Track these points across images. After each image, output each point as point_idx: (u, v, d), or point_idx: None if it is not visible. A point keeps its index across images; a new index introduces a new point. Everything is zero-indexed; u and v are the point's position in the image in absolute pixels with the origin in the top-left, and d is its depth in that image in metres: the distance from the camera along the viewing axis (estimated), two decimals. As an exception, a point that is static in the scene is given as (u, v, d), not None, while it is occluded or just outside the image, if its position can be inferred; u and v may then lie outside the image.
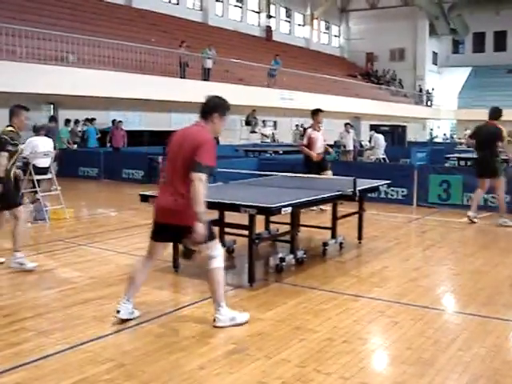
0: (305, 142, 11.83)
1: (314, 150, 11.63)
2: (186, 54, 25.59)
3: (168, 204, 5.16)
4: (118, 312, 5.32)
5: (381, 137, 22.38)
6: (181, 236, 5.19)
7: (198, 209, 4.91)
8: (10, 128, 7.31)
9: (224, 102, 5.53)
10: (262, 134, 27.90)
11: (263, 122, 27.87)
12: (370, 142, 23.52)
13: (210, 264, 5.28)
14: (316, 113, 11.90)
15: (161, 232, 5.32)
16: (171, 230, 5.20)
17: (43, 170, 11.09)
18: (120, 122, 21.03)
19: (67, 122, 20.22)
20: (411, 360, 4.62)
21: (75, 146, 20.54)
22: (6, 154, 7.04)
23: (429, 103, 50.18)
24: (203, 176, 5.00)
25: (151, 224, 5.43)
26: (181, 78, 24.74)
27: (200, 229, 4.90)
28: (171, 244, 7.32)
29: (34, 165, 10.74)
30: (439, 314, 5.89)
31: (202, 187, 4.96)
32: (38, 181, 10.94)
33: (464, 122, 37.08)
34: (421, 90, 50.50)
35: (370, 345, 5.01)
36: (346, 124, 22.69)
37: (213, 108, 5.40)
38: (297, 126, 29.99)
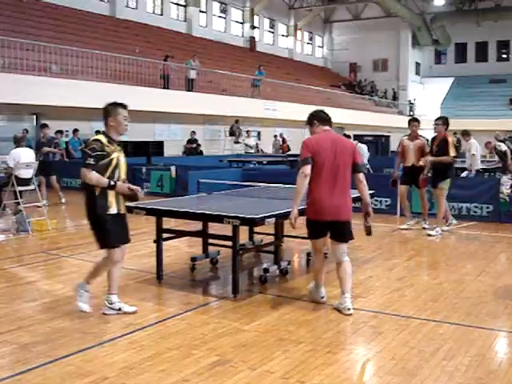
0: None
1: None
2: (169, 65, 25.61)
3: (340, 203, 6.21)
4: None
5: (364, 147, 22.25)
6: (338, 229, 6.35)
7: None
8: (97, 137, 6.07)
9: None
10: (246, 145, 27.91)
11: (247, 132, 27.92)
12: None
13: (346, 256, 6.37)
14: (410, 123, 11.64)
15: (325, 229, 6.28)
16: (333, 225, 6.26)
17: (26, 181, 11.03)
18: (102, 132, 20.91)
19: (57, 132, 19.99)
20: (395, 370, 4.62)
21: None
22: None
23: (411, 113, 50.47)
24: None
25: (310, 225, 6.24)
26: (164, 88, 24.71)
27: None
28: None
29: (16, 176, 10.67)
30: (423, 323, 5.89)
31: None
32: (21, 192, 10.87)
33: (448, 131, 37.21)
34: (409, 102, 50.79)
35: (354, 355, 5.01)
36: (343, 135, 22.19)
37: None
38: (275, 136, 30.06)
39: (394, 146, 32.33)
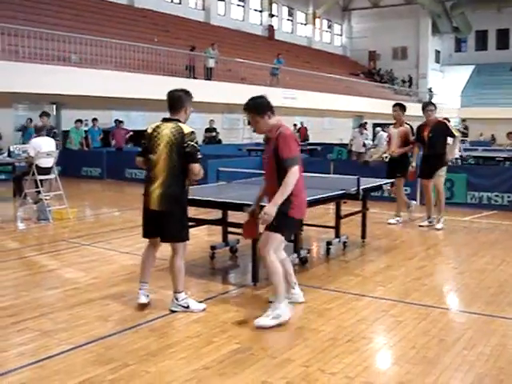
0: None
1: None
2: (188, 54, 25.61)
3: None
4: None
5: (385, 135, 21.28)
6: None
7: None
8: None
9: None
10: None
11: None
12: (373, 140, 23.22)
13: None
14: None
15: None
16: None
17: (46, 170, 11.09)
18: (121, 121, 20.99)
19: (77, 121, 20.04)
20: (416, 359, 4.60)
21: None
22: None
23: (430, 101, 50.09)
24: None
25: (294, 225, 5.72)
26: (188, 77, 24.76)
27: None
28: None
29: (37, 165, 10.74)
30: (443, 312, 5.87)
31: None
32: (41, 181, 10.95)
33: (467, 120, 36.98)
34: (430, 90, 50.40)
35: (374, 344, 5.00)
36: (360, 124, 21.66)
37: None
38: (295, 125, 29.85)
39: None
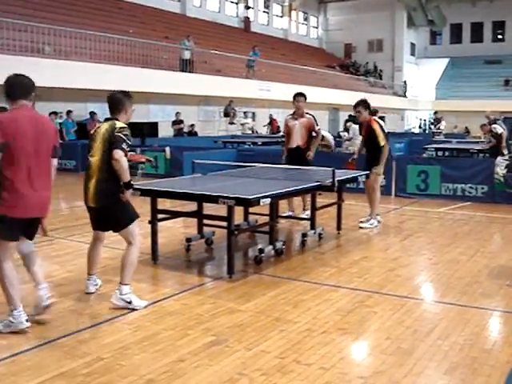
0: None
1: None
2: (163, 45, 25.47)
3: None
4: None
5: (356, 127, 19.66)
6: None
7: None
8: (122, 124, 5.62)
9: None
10: (243, 125, 27.82)
11: (244, 113, 27.74)
12: (347, 132, 23.16)
13: None
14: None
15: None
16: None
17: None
18: (94, 113, 20.80)
19: (52, 114, 19.82)
20: (390, 349, 4.63)
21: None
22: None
23: (406, 94, 50.35)
24: None
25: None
26: (182, 71, 25.13)
27: None
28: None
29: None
30: (418, 303, 5.92)
31: None
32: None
33: (441, 112, 37.24)
34: (405, 83, 50.66)
35: (350, 335, 5.02)
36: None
37: None
38: (271, 116, 29.88)
39: (388, 126, 32.41)
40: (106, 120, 5.75)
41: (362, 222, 9.82)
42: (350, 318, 5.44)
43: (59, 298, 5.83)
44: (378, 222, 9.91)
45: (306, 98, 10.16)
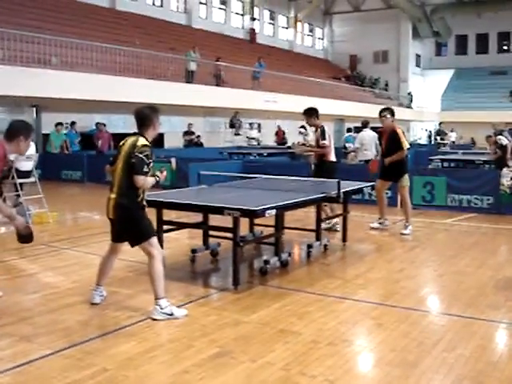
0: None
1: None
2: (169, 57, 25.57)
3: None
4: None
5: (367, 135, 16.61)
6: None
7: None
8: (144, 141, 5.67)
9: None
10: (248, 137, 27.88)
11: (250, 124, 27.80)
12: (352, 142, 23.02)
13: None
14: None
15: None
16: None
17: (26, 174, 11.01)
18: (102, 124, 20.90)
19: (58, 125, 19.99)
20: (396, 362, 4.62)
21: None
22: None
23: (411, 105, 50.37)
24: None
25: None
26: (187, 82, 25.38)
27: None
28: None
29: (16, 168, 10.65)
30: (423, 315, 5.90)
31: None
32: (21, 184, 10.86)
33: (447, 123, 37.24)
34: (409, 94, 50.69)
35: (355, 347, 5.01)
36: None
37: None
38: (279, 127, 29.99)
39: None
40: (133, 134, 5.78)
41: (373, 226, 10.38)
42: (355, 329, 5.43)
43: (65, 309, 5.85)
44: (386, 226, 10.45)
45: (308, 114, 10.12)
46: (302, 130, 19.02)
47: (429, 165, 17.95)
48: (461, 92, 49.21)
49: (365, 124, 16.72)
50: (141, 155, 5.51)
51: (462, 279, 7.20)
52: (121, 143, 5.83)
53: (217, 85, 27.56)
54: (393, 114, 10.14)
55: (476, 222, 11.47)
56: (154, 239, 5.74)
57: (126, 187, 5.61)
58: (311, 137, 10.31)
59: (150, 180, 5.66)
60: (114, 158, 5.83)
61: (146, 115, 5.81)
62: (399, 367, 4.51)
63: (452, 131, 34.50)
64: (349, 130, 24.54)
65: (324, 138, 9.91)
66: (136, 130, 5.79)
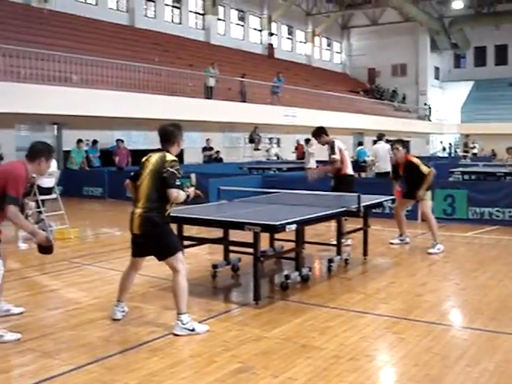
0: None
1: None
2: (188, 73, 25.73)
3: None
4: None
5: (381, 148, 16.52)
6: None
7: None
8: (173, 157, 5.84)
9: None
10: (268, 151, 28.04)
11: (269, 139, 27.86)
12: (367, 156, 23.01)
13: None
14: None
15: None
16: None
17: (47, 191, 11.11)
18: (121, 141, 21.08)
19: (79, 142, 20.30)
20: (419, 376, 4.58)
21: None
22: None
23: (430, 118, 50.18)
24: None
25: None
26: (207, 98, 25.79)
27: None
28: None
29: (38, 185, 10.75)
30: (446, 329, 5.85)
31: None
32: (43, 201, 10.96)
33: (467, 135, 37.03)
34: (428, 107, 50.53)
35: (377, 362, 4.98)
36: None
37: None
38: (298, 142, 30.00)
39: (413, 151, 32.34)
40: (158, 150, 5.85)
41: (393, 241, 10.29)
42: (377, 344, 5.40)
43: (86, 325, 5.88)
44: (407, 243, 10.32)
45: (317, 135, 10.11)
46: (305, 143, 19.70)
47: (449, 177, 17.82)
48: (480, 104, 48.92)
49: (380, 137, 16.73)
50: (172, 169, 5.61)
51: (485, 292, 7.14)
52: (144, 159, 5.89)
53: (243, 101, 28.00)
54: (404, 146, 10.14)
55: (498, 234, 11.37)
56: (180, 254, 5.77)
57: (154, 202, 5.65)
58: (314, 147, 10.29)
59: (183, 194, 5.73)
60: (135, 173, 5.89)
61: (170, 132, 5.93)
62: (422, 382, 4.48)
63: (473, 143, 34.27)
64: (360, 144, 24.59)
65: (334, 153, 9.88)
66: (159, 147, 5.86)
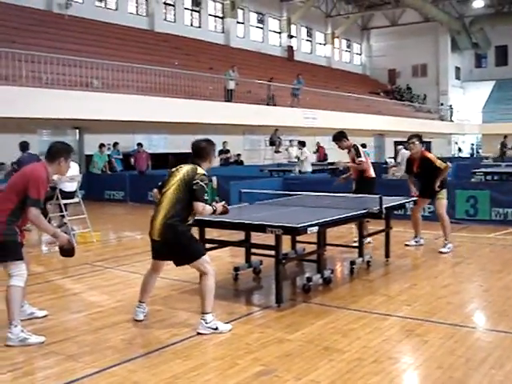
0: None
1: None
2: (208, 77, 25.79)
3: None
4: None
5: (407, 153, 18.19)
6: None
7: None
8: (202, 171, 5.82)
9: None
10: (291, 157, 28.06)
11: (290, 141, 27.80)
12: (395, 158, 22.89)
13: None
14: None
15: None
16: None
17: (70, 194, 11.20)
18: (140, 145, 21.24)
19: (101, 146, 20.52)
20: (442, 379, 4.55)
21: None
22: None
23: (451, 118, 49.79)
24: None
25: None
26: (227, 101, 25.88)
27: None
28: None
29: (60, 189, 10.84)
30: (470, 331, 5.80)
31: None
32: (65, 205, 11.05)
33: (489, 136, 36.61)
34: (442, 104, 50.18)
35: (400, 364, 4.95)
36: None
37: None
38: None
39: (434, 151, 32.15)
40: (189, 163, 5.89)
41: (408, 243, 10.21)
42: (400, 347, 5.36)
43: (109, 328, 5.91)
44: (421, 244, 10.30)
45: (338, 139, 10.38)
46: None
47: (471, 178, 17.69)
48: (502, 104, 48.44)
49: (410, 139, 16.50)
50: (202, 183, 5.66)
51: (509, 294, 7.07)
52: (173, 169, 5.94)
53: (274, 105, 28.35)
54: (421, 141, 10.05)
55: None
56: (206, 256, 5.80)
57: (177, 210, 5.68)
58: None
59: (209, 208, 5.79)
60: (163, 181, 5.94)
61: (203, 148, 5.98)
62: (446, 385, 4.44)
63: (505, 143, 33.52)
64: (363, 146, 24.45)
65: (359, 156, 10.13)
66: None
